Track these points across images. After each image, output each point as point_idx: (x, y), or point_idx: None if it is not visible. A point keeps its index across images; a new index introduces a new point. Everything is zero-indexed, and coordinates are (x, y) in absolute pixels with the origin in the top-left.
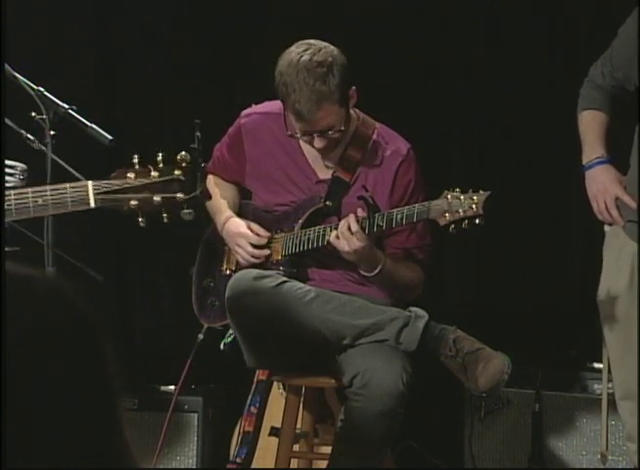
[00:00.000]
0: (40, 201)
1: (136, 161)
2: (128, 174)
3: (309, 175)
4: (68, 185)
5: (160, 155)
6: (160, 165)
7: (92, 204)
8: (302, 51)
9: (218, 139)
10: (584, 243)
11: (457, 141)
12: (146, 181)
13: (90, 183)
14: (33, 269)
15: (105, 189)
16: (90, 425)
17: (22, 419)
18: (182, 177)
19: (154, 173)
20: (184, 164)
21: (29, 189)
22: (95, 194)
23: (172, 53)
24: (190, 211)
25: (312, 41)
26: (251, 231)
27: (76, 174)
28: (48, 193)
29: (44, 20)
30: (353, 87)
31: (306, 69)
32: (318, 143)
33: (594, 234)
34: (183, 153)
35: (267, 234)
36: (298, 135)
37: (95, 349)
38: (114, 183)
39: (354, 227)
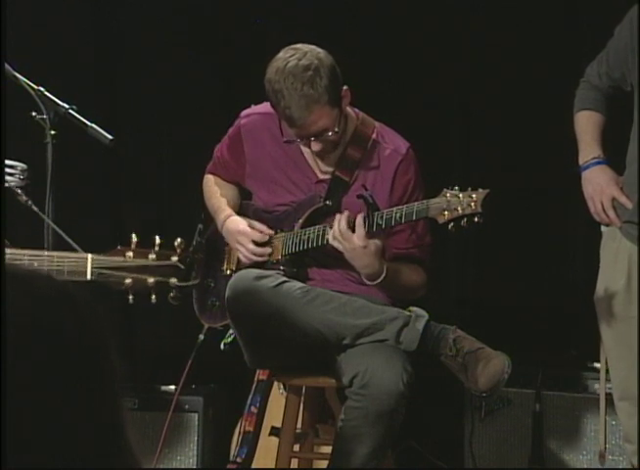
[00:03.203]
0: (36, 265)
1: (134, 240)
2: (127, 254)
3: (309, 175)
4: (68, 254)
5: (158, 238)
6: (158, 249)
7: (89, 276)
8: (289, 57)
9: (218, 139)
10: (584, 243)
11: (457, 141)
12: (143, 263)
13: (90, 257)
14: (37, 269)
15: (103, 264)
16: (93, 425)
17: (24, 418)
18: (179, 264)
19: (151, 256)
20: (180, 251)
21: (26, 251)
22: (93, 267)
23: (172, 53)
24: (179, 296)
25: (298, 46)
26: (253, 229)
27: (74, 246)
28: (45, 258)
29: (44, 20)
30: (345, 87)
31: (293, 74)
32: (315, 146)
33: (594, 234)
34: (179, 240)
35: (270, 231)
36: (297, 140)
37: (99, 348)
38: (113, 260)
39: (343, 226)
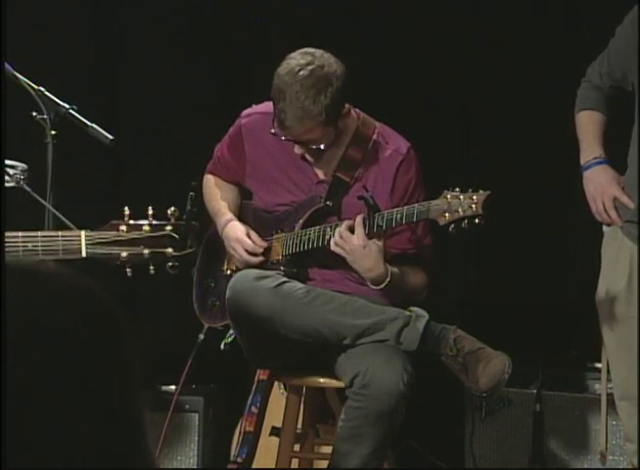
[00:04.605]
0: (30, 246)
1: (127, 213)
2: (121, 227)
3: (310, 175)
4: (60, 233)
5: (151, 209)
6: (151, 220)
7: (84, 254)
8: (304, 64)
9: (218, 139)
10: (584, 243)
11: (457, 141)
12: (137, 235)
13: (83, 233)
14: (59, 266)
15: (97, 240)
16: (114, 426)
17: (42, 417)
18: (173, 234)
19: (145, 228)
20: (174, 220)
21: (20, 233)
22: (87, 244)
23: (172, 53)
24: (176, 265)
25: (318, 54)
26: (249, 238)
27: (68, 223)
28: (39, 239)
29: (44, 20)
30: (347, 106)
31: (301, 84)
32: (297, 149)
33: (594, 234)
34: (172, 208)
35: (263, 244)
36: (282, 137)
37: (123, 349)
38: (107, 235)
39: (342, 229)
